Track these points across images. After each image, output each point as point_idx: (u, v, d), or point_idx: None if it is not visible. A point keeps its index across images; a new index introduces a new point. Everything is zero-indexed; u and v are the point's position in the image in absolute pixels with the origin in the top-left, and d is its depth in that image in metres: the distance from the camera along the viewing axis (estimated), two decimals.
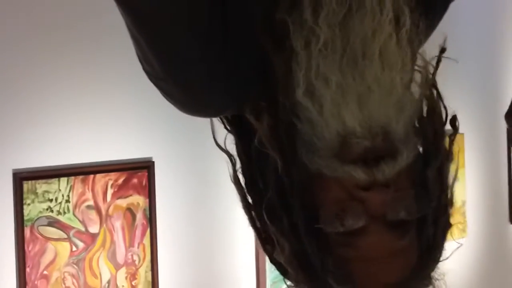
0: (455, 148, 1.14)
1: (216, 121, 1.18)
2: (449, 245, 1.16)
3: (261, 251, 1.31)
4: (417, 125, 1.10)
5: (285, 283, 1.13)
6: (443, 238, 1.11)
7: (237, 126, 1.15)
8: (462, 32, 4.20)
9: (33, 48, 2.64)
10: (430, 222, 1.08)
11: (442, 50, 1.13)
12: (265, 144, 1.07)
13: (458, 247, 1.21)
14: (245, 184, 1.13)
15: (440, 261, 1.11)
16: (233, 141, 1.16)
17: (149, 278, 2.92)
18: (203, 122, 1.19)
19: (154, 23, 1.05)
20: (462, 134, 4.23)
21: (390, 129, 1.03)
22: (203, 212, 3.12)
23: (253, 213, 1.12)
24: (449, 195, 1.12)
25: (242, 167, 1.13)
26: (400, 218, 1.04)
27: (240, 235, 3.17)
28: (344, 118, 1.03)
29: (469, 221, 4.35)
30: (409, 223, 1.05)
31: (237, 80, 1.09)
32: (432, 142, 1.10)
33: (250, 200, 1.12)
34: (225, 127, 1.17)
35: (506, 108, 2.60)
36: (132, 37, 1.08)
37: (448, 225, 1.12)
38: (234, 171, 1.13)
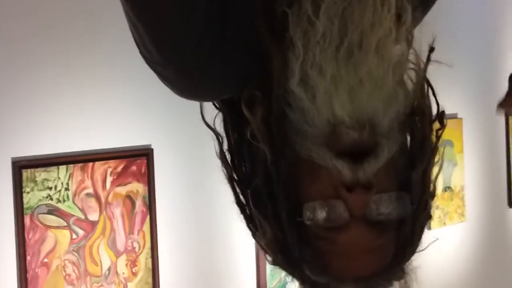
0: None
1: None
2: (428, 237, 1.15)
3: None
4: (406, 120, 1.09)
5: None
6: (420, 233, 1.12)
7: (229, 106, 1.16)
8: (461, 17, 4.19)
9: (31, 38, 2.63)
10: (410, 221, 1.09)
11: (431, 49, 1.12)
12: (257, 137, 1.08)
13: (434, 241, 1.21)
14: (231, 161, 1.15)
15: (415, 253, 1.12)
16: (222, 119, 1.17)
17: (149, 265, 2.93)
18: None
19: (152, 9, 1.04)
20: (461, 118, 4.24)
21: (376, 122, 1.04)
22: (202, 198, 3.12)
23: (237, 189, 1.14)
24: (431, 188, 1.13)
25: (229, 146, 1.15)
26: (380, 219, 1.05)
27: (239, 221, 3.17)
28: (334, 108, 1.04)
29: (468, 205, 4.36)
30: (389, 222, 1.07)
31: (234, 68, 1.09)
32: (419, 143, 1.10)
33: (235, 177, 1.14)
34: (214, 105, 1.18)
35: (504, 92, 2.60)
36: (130, 22, 1.08)
37: (427, 219, 1.13)
38: (221, 148, 1.15)
